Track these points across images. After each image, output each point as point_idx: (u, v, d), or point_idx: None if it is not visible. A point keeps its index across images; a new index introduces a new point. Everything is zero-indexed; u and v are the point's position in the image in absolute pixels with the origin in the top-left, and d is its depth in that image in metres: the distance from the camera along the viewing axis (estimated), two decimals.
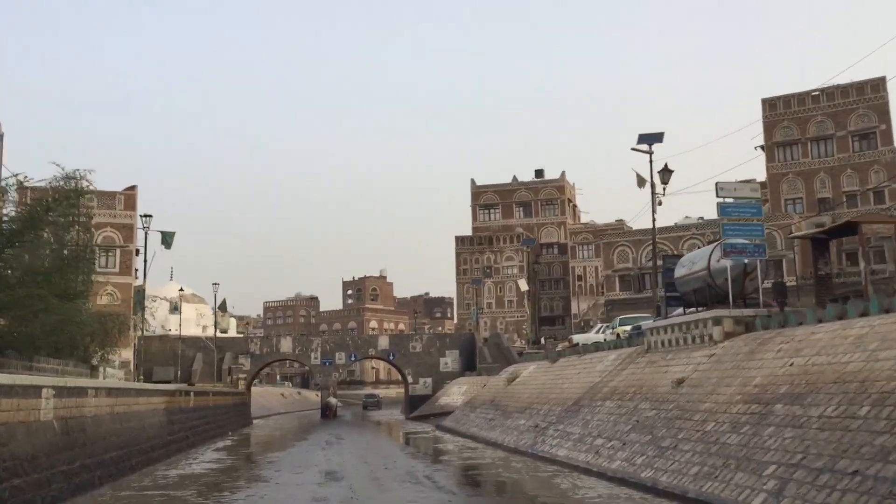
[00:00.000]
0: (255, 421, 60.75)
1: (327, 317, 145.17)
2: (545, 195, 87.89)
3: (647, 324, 24.60)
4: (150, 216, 32.56)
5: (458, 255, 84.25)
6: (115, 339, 35.16)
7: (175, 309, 57.67)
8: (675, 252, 47.49)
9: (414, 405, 62.21)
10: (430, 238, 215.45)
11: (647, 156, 26.58)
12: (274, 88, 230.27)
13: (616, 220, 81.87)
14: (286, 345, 63.37)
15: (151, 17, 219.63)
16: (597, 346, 29.22)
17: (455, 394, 54.36)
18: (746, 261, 20.19)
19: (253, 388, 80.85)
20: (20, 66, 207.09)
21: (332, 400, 63.56)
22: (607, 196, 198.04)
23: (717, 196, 19.98)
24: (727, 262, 19.92)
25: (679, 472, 13.96)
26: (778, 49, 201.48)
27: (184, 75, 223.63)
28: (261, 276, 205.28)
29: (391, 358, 64.40)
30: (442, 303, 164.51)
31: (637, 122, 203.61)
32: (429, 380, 63.51)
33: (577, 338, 36.96)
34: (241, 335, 66.83)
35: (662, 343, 22.11)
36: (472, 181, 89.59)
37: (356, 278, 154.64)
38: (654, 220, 26.88)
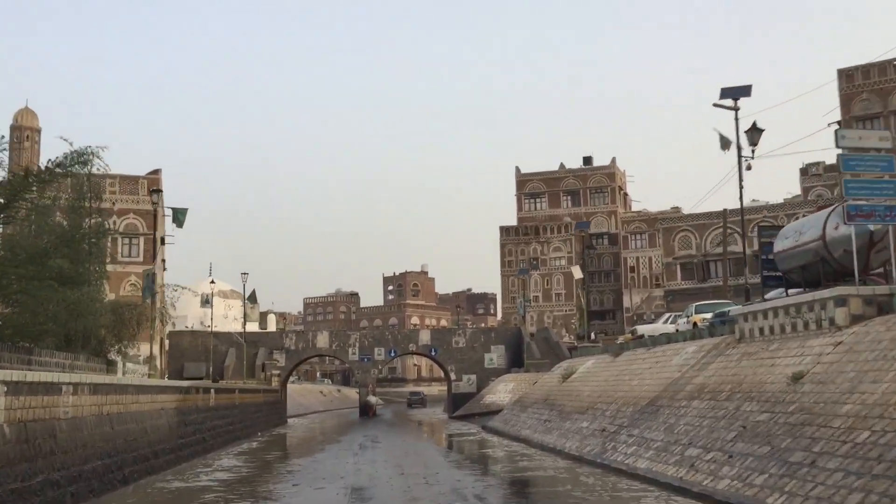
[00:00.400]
0: (290, 420, 57.96)
1: (368, 313, 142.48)
2: (594, 183, 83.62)
3: (736, 309, 20.65)
4: (160, 191, 29.53)
5: (502, 246, 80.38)
6: (133, 332, 32.22)
7: (206, 302, 54.94)
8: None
9: (457, 403, 58.78)
10: (473, 231, 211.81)
11: (731, 112, 22.63)
12: (313, 81, 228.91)
13: (671, 208, 77.32)
14: (323, 340, 60.39)
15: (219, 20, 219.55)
16: (668, 338, 25.36)
17: (501, 391, 50.79)
18: (873, 227, 16.22)
19: (290, 386, 78.24)
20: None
21: (372, 398, 60.39)
22: (660, 184, 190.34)
23: (838, 145, 16.04)
24: (849, 229, 15.98)
25: (830, 502, 10.14)
26: (847, 18, 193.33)
27: (228, 64, 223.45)
28: (302, 273, 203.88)
29: (433, 354, 61.02)
30: (485, 299, 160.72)
31: (690, 106, 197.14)
32: (473, 377, 60.01)
33: (643, 329, 33.07)
34: (279, 330, 64.10)
35: (761, 331, 18.18)
36: (517, 169, 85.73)
37: (397, 273, 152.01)
38: (741, 186, 22.93)
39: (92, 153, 22.87)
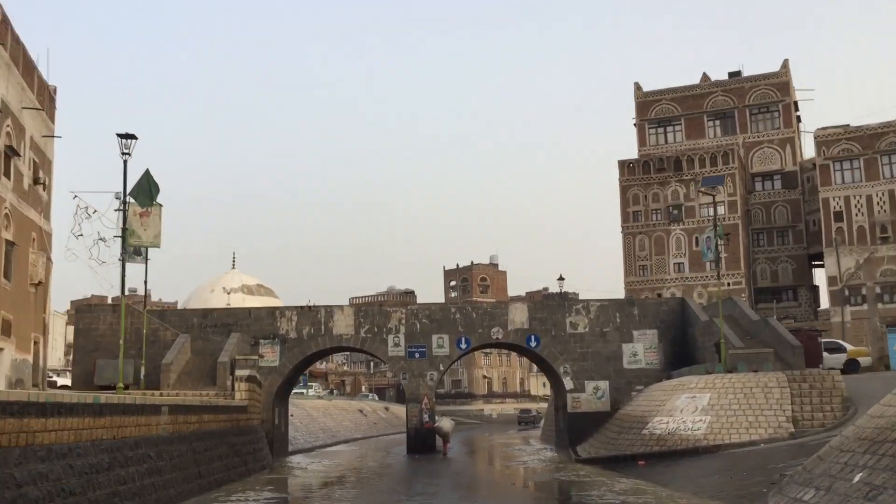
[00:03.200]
0: (293, 458, 34.70)
1: None
2: (756, 99, 58.06)
3: None
4: None
5: (623, 189, 55.27)
6: None
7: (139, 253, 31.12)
8: None
9: (576, 429, 34.52)
10: (555, 218, 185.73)
11: None
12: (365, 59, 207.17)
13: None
14: (343, 321, 36.40)
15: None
16: None
17: (686, 410, 26.25)
18: None
19: (304, 402, 54.73)
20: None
21: (446, 423, 36.43)
22: (842, 98, 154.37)
23: None
24: None
25: None
26: None
27: (286, 54, 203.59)
28: (347, 267, 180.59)
29: (532, 345, 36.48)
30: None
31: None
32: (603, 384, 35.49)
33: None
34: (268, 308, 40.26)
35: None
36: (637, 86, 60.74)
37: (460, 266, 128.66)
38: None
39: None
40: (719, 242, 29.89)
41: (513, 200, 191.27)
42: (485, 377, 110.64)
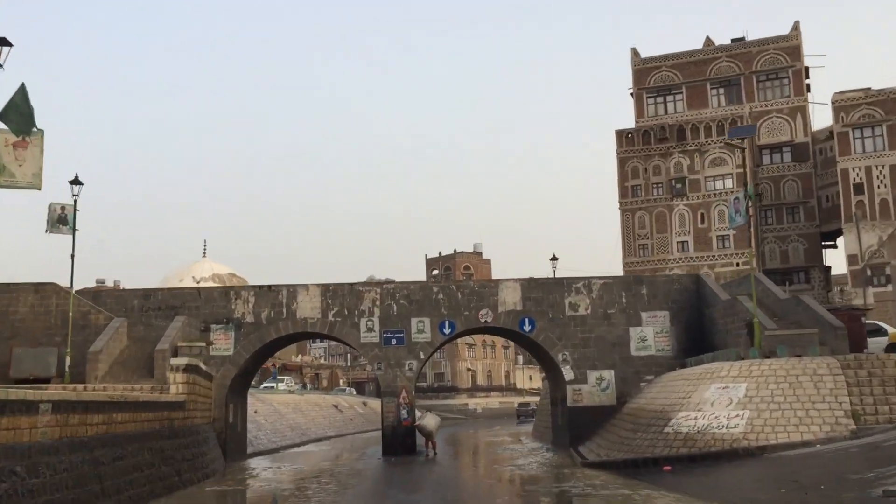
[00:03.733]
0: (252, 462, 30.09)
1: None
2: (764, 65, 53.61)
3: None
4: None
5: (621, 161, 50.66)
6: None
7: (60, 221, 26.21)
8: None
9: (578, 427, 30.09)
10: (543, 201, 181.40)
11: None
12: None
13: None
14: (308, 303, 31.62)
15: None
16: None
17: (718, 403, 21.81)
18: None
19: (272, 398, 50.03)
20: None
21: (431, 419, 31.78)
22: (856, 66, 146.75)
23: None
24: None
25: None
26: None
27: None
28: (324, 258, 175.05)
29: (526, 329, 31.90)
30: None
31: None
32: (607, 373, 31.03)
33: None
34: (221, 287, 35.37)
35: None
36: (634, 52, 56.14)
37: (443, 254, 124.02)
38: None
39: None
40: (749, 204, 25.37)
41: (498, 189, 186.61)
42: (469, 370, 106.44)
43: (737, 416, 20.99)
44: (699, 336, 31.26)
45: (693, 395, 22.94)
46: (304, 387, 72.80)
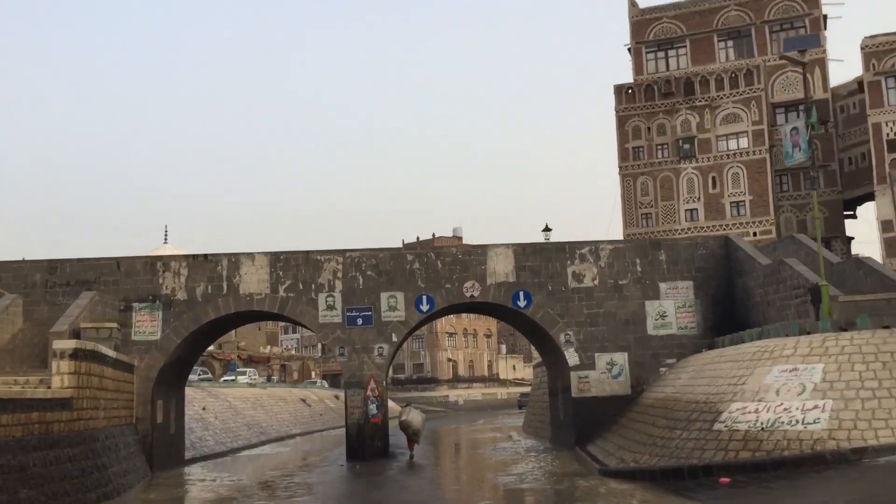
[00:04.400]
0: (187, 469, 24.40)
1: None
2: (777, 13, 48.28)
3: None
4: None
5: (620, 120, 45.12)
6: None
7: None
8: None
9: (585, 421, 24.71)
10: (522, 186, 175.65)
11: None
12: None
13: None
14: (255, 274, 25.87)
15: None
16: None
17: (786, 391, 16.32)
18: None
19: (225, 390, 44.38)
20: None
21: (416, 415, 26.35)
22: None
23: None
24: None
25: None
26: None
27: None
28: (298, 243, 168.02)
29: (521, 305, 26.38)
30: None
31: None
32: (620, 357, 25.71)
33: None
34: (150, 257, 29.49)
35: None
36: (631, 2, 50.59)
37: (420, 239, 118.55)
38: None
39: None
40: (809, 134, 20.10)
41: (482, 164, 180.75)
42: (449, 360, 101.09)
43: (815, 407, 15.64)
44: (730, 310, 25.95)
45: (749, 381, 17.52)
46: (269, 379, 66.97)
